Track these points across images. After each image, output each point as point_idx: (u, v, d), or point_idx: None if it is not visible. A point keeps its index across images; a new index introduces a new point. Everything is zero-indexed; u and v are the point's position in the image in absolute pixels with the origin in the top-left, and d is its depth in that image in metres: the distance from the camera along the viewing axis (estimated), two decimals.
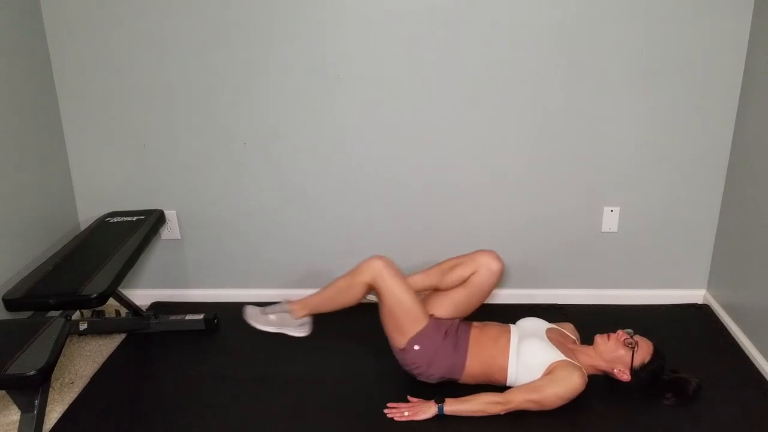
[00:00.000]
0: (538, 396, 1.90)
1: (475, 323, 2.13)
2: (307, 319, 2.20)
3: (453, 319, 2.15)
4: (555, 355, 1.94)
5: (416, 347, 2.01)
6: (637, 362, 1.98)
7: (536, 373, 1.94)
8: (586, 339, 2.14)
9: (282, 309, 2.19)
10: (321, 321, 2.56)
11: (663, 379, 2.01)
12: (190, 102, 2.45)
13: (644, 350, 1.99)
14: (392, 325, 2.05)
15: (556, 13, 2.25)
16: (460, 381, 2.05)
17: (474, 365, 2.02)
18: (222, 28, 2.34)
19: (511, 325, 2.12)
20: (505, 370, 1.99)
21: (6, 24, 2.22)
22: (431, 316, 2.11)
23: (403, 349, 2.03)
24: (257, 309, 2.22)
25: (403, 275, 2.08)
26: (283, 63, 2.37)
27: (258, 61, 2.37)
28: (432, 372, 2.03)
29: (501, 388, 2.01)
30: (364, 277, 2.05)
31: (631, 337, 2.01)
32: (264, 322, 2.19)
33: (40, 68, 2.39)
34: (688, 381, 2.00)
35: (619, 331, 2.03)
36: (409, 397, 2.03)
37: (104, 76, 2.44)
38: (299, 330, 2.21)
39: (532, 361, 1.95)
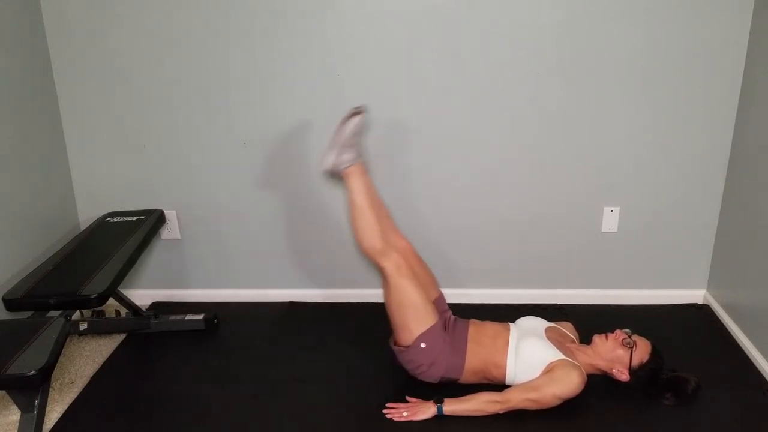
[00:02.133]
0: (537, 395, 1.90)
1: (472, 321, 2.13)
2: (338, 178, 2.09)
3: (447, 311, 2.17)
4: (554, 354, 1.94)
5: (422, 345, 2.00)
6: (636, 362, 1.98)
7: (535, 372, 1.94)
8: (586, 339, 2.14)
9: (354, 158, 2.05)
10: (321, 321, 2.57)
11: (662, 378, 2.01)
12: (190, 102, 2.45)
13: (642, 350, 1.99)
14: (400, 321, 2.03)
15: (556, 13, 2.25)
16: (460, 381, 2.05)
17: (473, 364, 2.02)
18: (222, 28, 2.34)
19: (510, 324, 2.12)
20: (503, 368, 1.99)
21: (6, 24, 2.22)
22: (437, 313, 2.09)
23: (408, 347, 2.02)
24: (360, 129, 2.08)
25: (414, 276, 2.04)
26: (284, 63, 2.37)
27: (258, 61, 2.37)
28: (433, 372, 2.03)
29: (500, 386, 2.01)
30: (383, 260, 2.00)
31: (629, 337, 2.01)
32: (346, 137, 2.04)
33: (40, 68, 2.40)
34: (687, 380, 2.00)
35: (617, 331, 2.03)
36: (407, 398, 2.03)
37: (104, 76, 2.44)
38: (331, 166, 2.06)
39: (531, 360, 1.96)
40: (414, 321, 2.00)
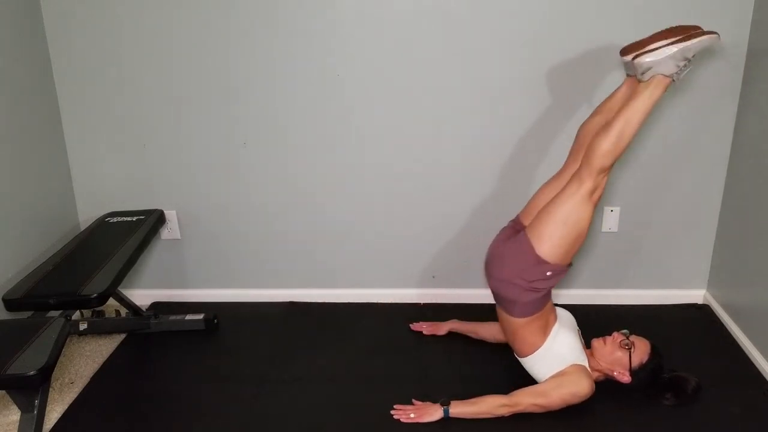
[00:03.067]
0: (545, 400, 1.91)
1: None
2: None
3: None
4: (580, 359, 1.95)
5: (549, 273, 1.88)
6: (636, 363, 1.97)
7: (556, 366, 1.94)
8: (586, 341, 2.14)
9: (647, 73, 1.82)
10: (321, 321, 2.57)
11: (662, 378, 2.01)
12: (190, 102, 2.45)
13: (642, 350, 1.99)
14: (555, 235, 1.85)
15: (553, 13, 2.25)
16: (499, 310, 2.00)
17: (528, 321, 1.95)
18: (222, 28, 2.34)
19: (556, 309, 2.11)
20: (535, 347, 1.97)
21: (6, 24, 2.22)
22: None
23: (538, 256, 1.86)
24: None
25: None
26: (284, 62, 2.37)
27: (258, 60, 2.37)
28: (513, 293, 1.92)
29: (512, 373, 2.01)
30: (601, 177, 1.83)
31: (627, 338, 2.00)
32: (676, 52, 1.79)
33: (40, 68, 2.39)
34: (687, 380, 2.00)
35: (615, 333, 2.02)
36: (414, 401, 2.03)
37: (104, 76, 2.44)
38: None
39: (561, 354, 1.95)
40: (566, 246, 1.86)
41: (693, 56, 1.80)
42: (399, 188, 2.53)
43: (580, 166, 1.87)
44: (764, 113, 2.16)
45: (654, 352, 2.00)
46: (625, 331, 2.03)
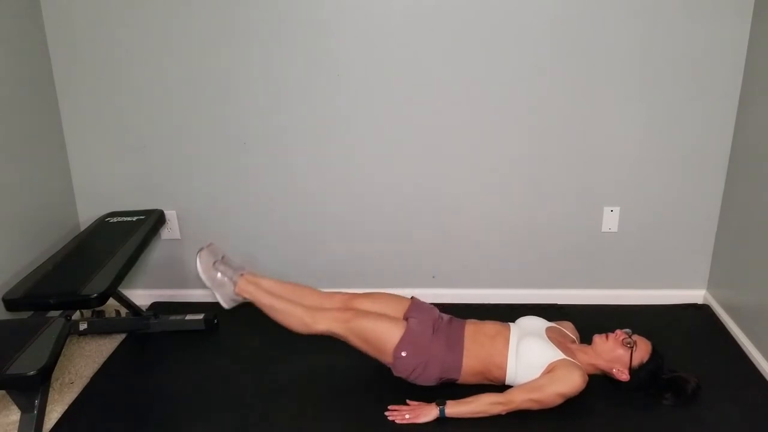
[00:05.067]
0: (539, 395, 1.90)
1: (469, 321, 2.13)
2: (242, 300, 2.20)
3: (431, 311, 2.15)
4: (554, 354, 1.94)
5: (403, 353, 2.00)
6: (636, 362, 1.98)
7: (536, 372, 1.94)
8: (586, 339, 2.14)
9: (231, 276, 2.17)
10: None
11: (662, 378, 2.01)
12: (190, 102, 2.45)
13: (643, 350, 1.99)
14: (374, 351, 2.05)
15: (555, 13, 2.25)
16: (459, 381, 2.05)
17: (472, 364, 2.01)
18: (222, 27, 2.34)
19: (511, 324, 2.12)
20: (503, 369, 1.99)
21: (6, 24, 2.22)
22: (407, 319, 2.09)
23: (393, 363, 2.03)
24: (212, 257, 2.19)
25: (359, 313, 2.07)
26: (284, 62, 2.37)
27: (258, 60, 2.37)
28: (429, 373, 2.02)
29: (500, 387, 2.01)
30: (319, 326, 2.06)
31: (630, 337, 2.01)
32: (207, 274, 2.16)
33: (40, 68, 2.39)
34: (687, 381, 2.01)
35: (618, 331, 2.03)
36: (408, 401, 2.03)
37: (104, 76, 2.44)
38: (227, 302, 2.20)
39: (532, 360, 1.95)
40: (384, 343, 2.01)
41: (212, 269, 2.17)
42: (399, 188, 2.53)
43: None
44: (764, 113, 2.16)
45: (655, 353, 2.00)
46: (627, 330, 2.03)
